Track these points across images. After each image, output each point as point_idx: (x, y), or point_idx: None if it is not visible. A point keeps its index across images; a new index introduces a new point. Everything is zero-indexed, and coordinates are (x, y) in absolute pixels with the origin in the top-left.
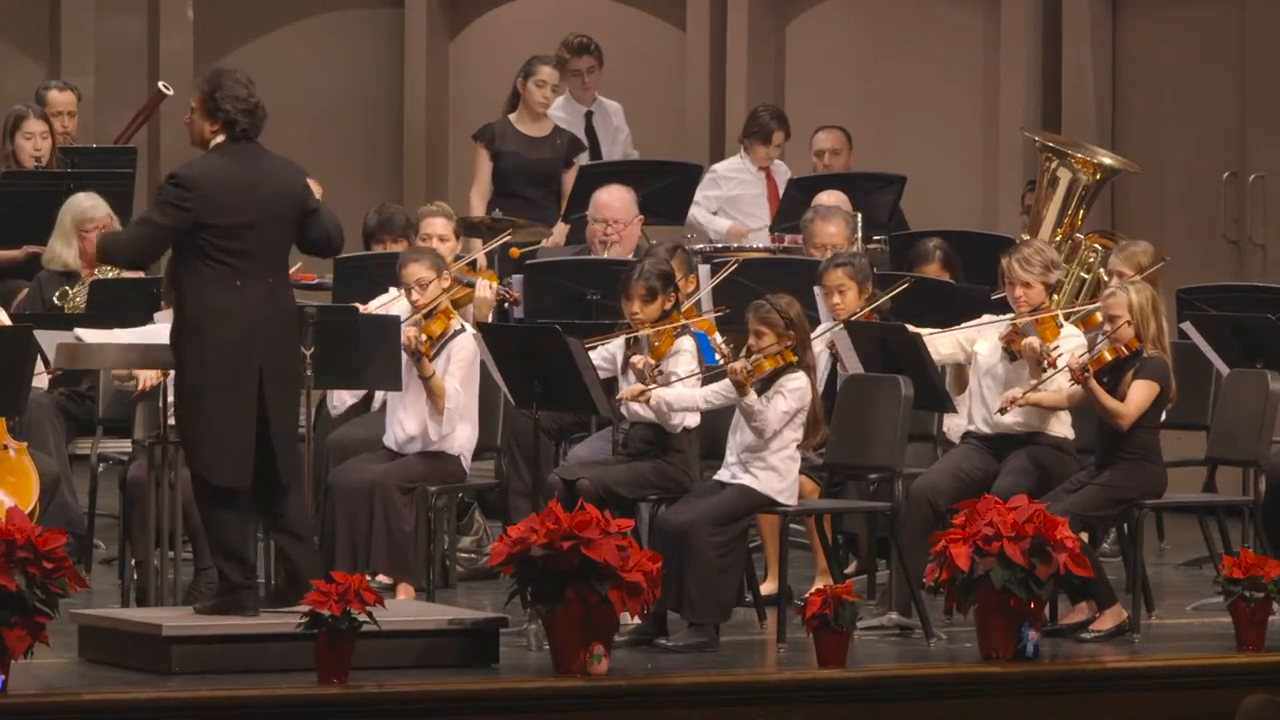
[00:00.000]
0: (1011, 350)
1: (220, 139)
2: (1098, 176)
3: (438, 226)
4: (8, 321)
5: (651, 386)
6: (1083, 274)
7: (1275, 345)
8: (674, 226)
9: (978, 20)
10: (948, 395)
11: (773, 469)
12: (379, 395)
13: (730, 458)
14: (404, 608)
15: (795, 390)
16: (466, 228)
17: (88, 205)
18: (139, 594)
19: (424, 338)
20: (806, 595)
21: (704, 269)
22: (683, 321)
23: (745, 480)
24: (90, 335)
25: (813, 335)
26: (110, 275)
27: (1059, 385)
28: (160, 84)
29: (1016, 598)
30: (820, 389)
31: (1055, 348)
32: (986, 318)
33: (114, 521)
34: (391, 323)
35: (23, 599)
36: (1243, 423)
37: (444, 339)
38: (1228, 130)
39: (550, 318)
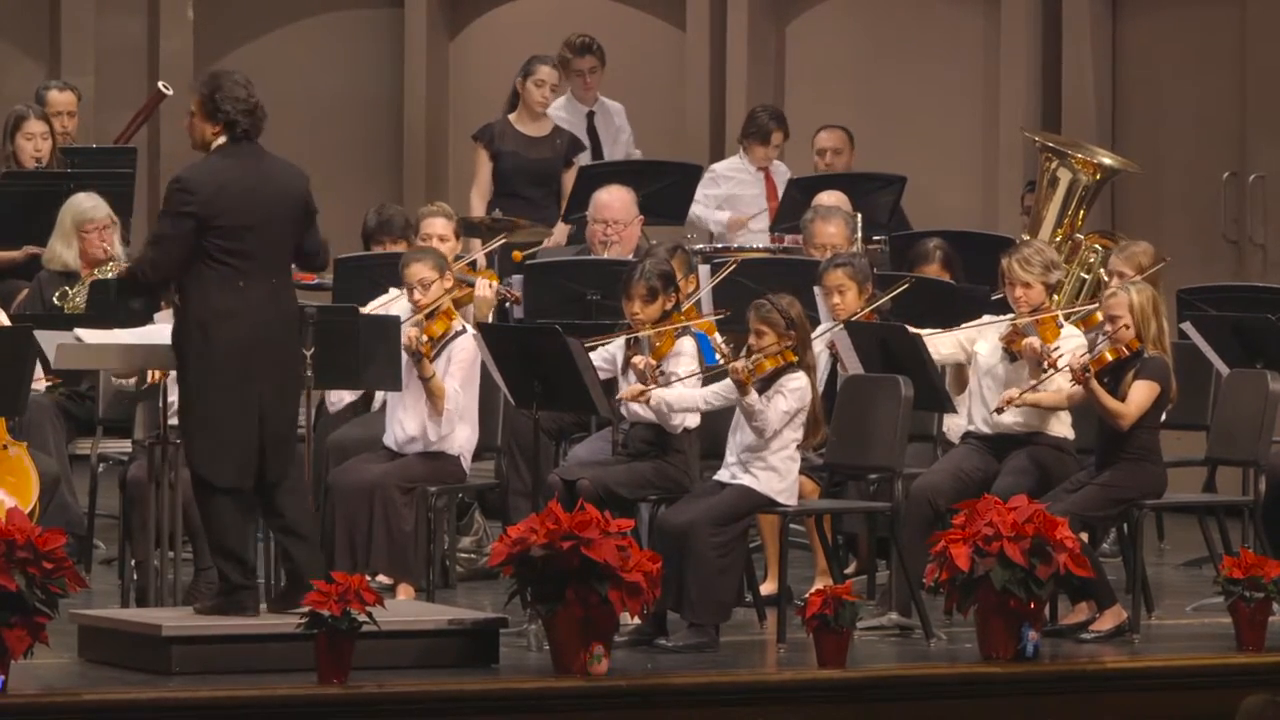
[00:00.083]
0: (1012, 350)
1: (222, 140)
2: (1098, 176)
3: (438, 226)
4: (7, 322)
5: (652, 387)
6: (1083, 274)
7: (1275, 345)
8: (674, 226)
9: (978, 20)
10: (948, 395)
11: (773, 469)
12: (379, 395)
13: (730, 458)
14: (404, 608)
15: (796, 390)
16: (466, 228)
17: (88, 205)
18: (139, 594)
19: (425, 338)
20: (806, 595)
21: (704, 269)
22: (684, 322)
23: (745, 480)
24: (90, 335)
25: (813, 335)
26: (110, 275)
27: (1058, 385)
28: (160, 84)
29: (1016, 598)
30: (820, 389)
31: (1055, 348)
32: (986, 318)
33: (114, 521)
34: (391, 323)
35: (23, 599)
36: (1243, 423)
37: (445, 340)
38: (1228, 130)
39: (550, 318)
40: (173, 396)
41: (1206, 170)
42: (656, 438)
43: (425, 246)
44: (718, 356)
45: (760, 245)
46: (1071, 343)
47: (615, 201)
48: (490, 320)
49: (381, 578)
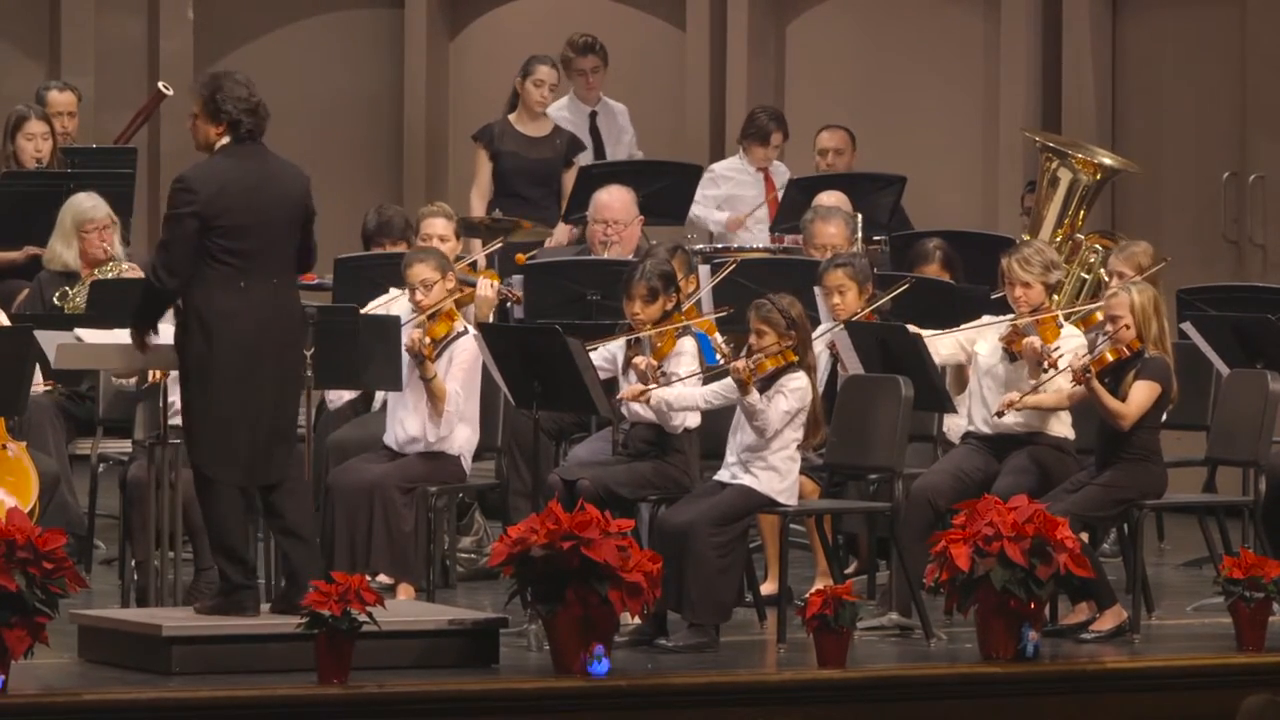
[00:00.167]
0: (1012, 351)
1: (225, 140)
2: (1098, 177)
3: (438, 227)
4: (7, 322)
5: (652, 386)
6: (1083, 274)
7: (1275, 345)
8: (674, 226)
9: (978, 20)
10: (948, 395)
11: (773, 469)
12: (379, 395)
13: (730, 458)
14: (404, 608)
15: (796, 390)
16: (466, 228)
17: (88, 206)
18: (139, 594)
19: (428, 340)
20: (806, 595)
21: (704, 269)
22: (685, 322)
23: (745, 480)
24: (90, 335)
25: (813, 336)
26: (110, 275)
27: (1058, 386)
28: (160, 84)
29: (1016, 598)
30: (820, 389)
31: (1056, 348)
32: (986, 318)
33: (114, 521)
34: (391, 323)
35: (23, 599)
36: (1243, 423)
37: (447, 341)
38: (1228, 130)
39: (551, 318)
40: (173, 396)
41: (1206, 170)
42: (657, 438)
43: (427, 247)
44: (718, 356)
45: (760, 245)
46: (1071, 343)
47: (615, 202)
48: (491, 320)
49: (382, 578)
